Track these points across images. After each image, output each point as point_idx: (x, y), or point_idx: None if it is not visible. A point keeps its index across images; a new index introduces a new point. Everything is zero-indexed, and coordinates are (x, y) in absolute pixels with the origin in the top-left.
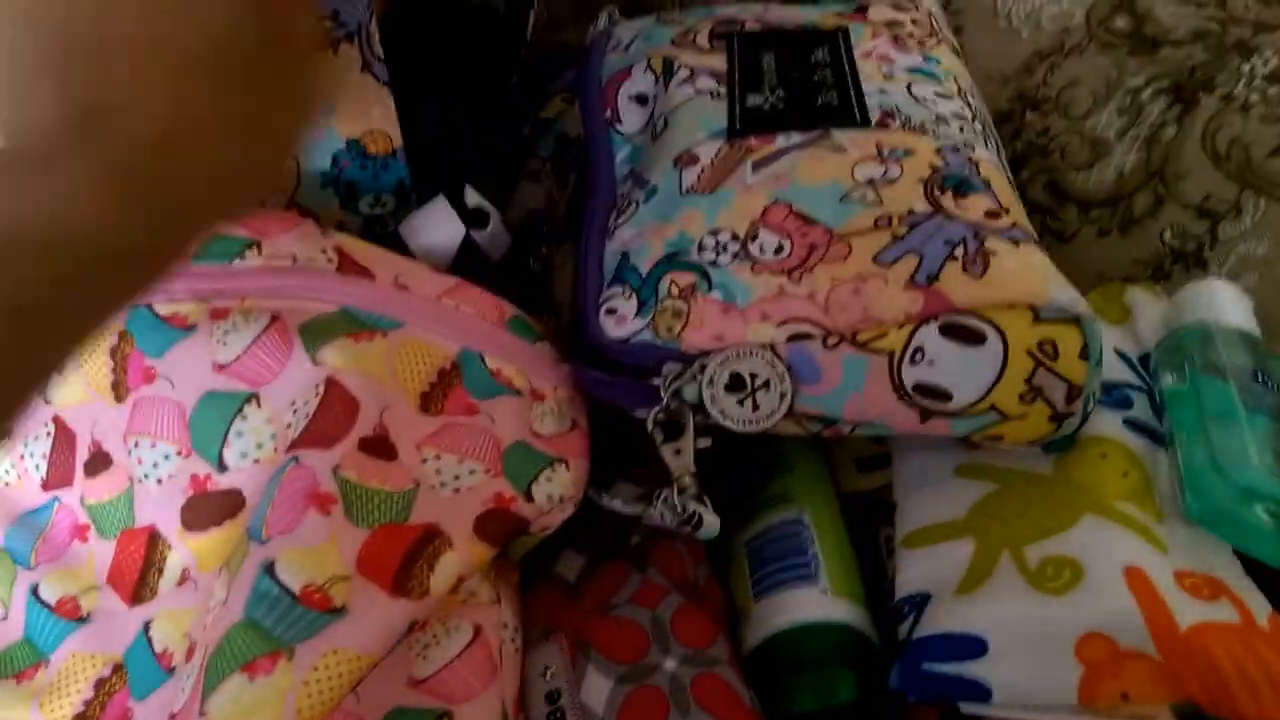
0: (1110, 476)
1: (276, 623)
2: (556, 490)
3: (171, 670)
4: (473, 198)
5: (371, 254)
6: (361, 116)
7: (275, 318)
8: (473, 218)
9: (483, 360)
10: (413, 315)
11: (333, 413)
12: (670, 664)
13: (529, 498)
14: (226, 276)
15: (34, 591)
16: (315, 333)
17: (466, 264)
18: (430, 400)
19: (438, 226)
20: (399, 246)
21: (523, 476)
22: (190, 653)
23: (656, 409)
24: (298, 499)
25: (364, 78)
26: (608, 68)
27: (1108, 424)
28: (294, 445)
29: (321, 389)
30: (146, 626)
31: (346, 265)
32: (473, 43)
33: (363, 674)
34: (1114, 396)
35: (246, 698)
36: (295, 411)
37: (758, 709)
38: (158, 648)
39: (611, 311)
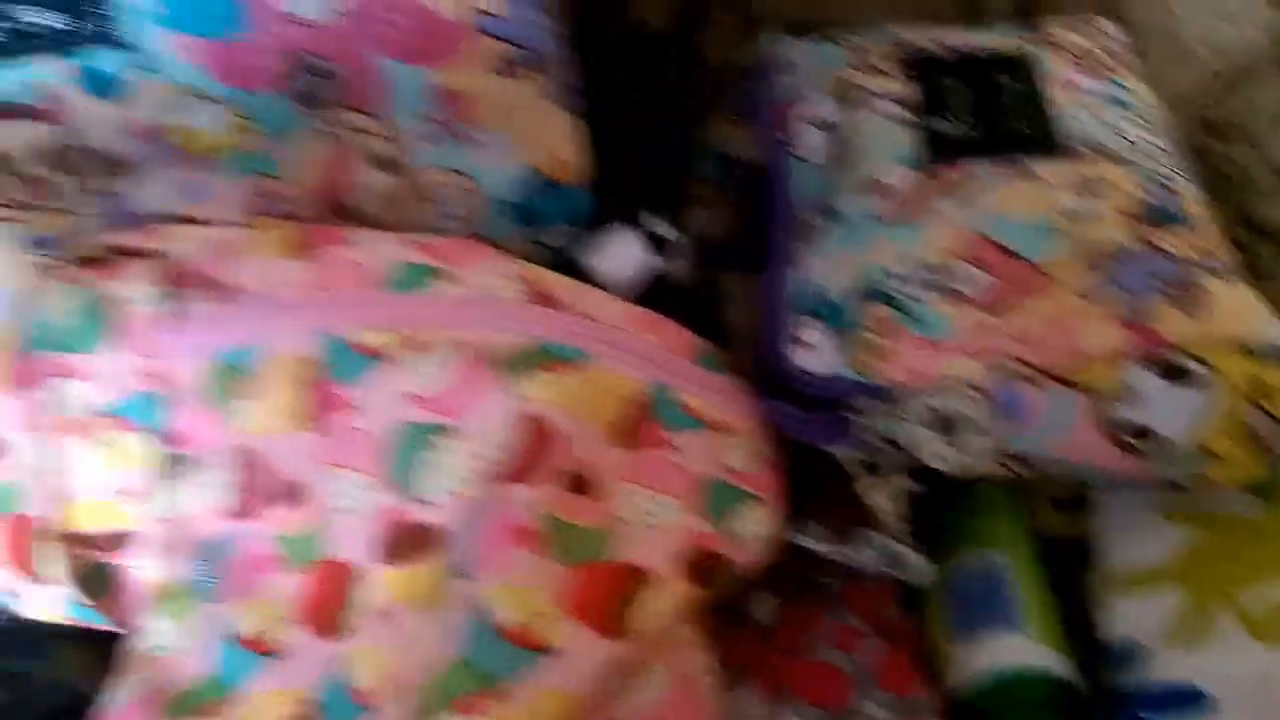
0: None
1: (489, 661)
2: (754, 527)
3: (368, 706)
4: (659, 226)
5: (561, 285)
6: (545, 144)
7: (472, 349)
8: (658, 246)
9: (673, 393)
10: (603, 347)
11: (533, 447)
12: (873, 709)
13: (727, 534)
14: (420, 306)
15: (222, 626)
16: (512, 365)
17: (651, 293)
18: (624, 434)
19: (623, 254)
20: (579, 273)
21: (720, 512)
22: (391, 690)
23: (857, 447)
24: (505, 536)
25: (549, 105)
26: (781, 91)
27: None
28: (495, 479)
29: (521, 423)
30: (341, 662)
31: (536, 295)
32: (645, 67)
33: (575, 716)
34: None
35: None
36: (493, 445)
37: None
38: (354, 684)
39: (801, 343)
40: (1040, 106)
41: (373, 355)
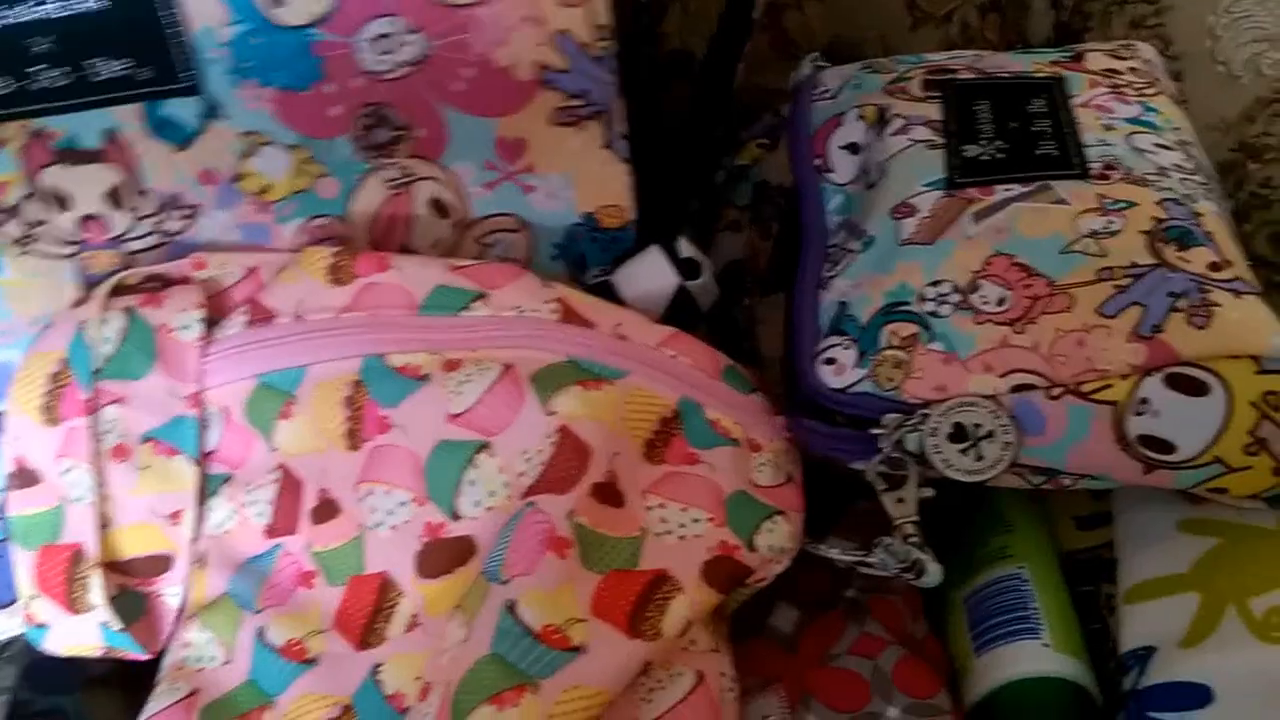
0: None
1: (520, 658)
2: (778, 541)
3: (404, 711)
4: (686, 248)
5: (592, 305)
6: (600, 192)
7: (507, 368)
8: (685, 268)
9: (702, 410)
10: (634, 364)
11: (567, 460)
12: (893, 713)
13: (751, 547)
14: (456, 328)
15: (260, 635)
16: (546, 382)
17: (678, 314)
18: (653, 449)
19: (652, 276)
20: (611, 296)
21: (745, 526)
22: (424, 693)
23: (878, 458)
24: (536, 543)
25: (605, 154)
26: (817, 116)
27: None
28: (529, 491)
29: (556, 437)
30: (376, 669)
31: (569, 315)
32: (676, 92)
33: (601, 710)
34: None
35: None
36: (528, 459)
37: None
38: (388, 690)
39: (830, 361)
40: (1068, 130)
41: (411, 377)
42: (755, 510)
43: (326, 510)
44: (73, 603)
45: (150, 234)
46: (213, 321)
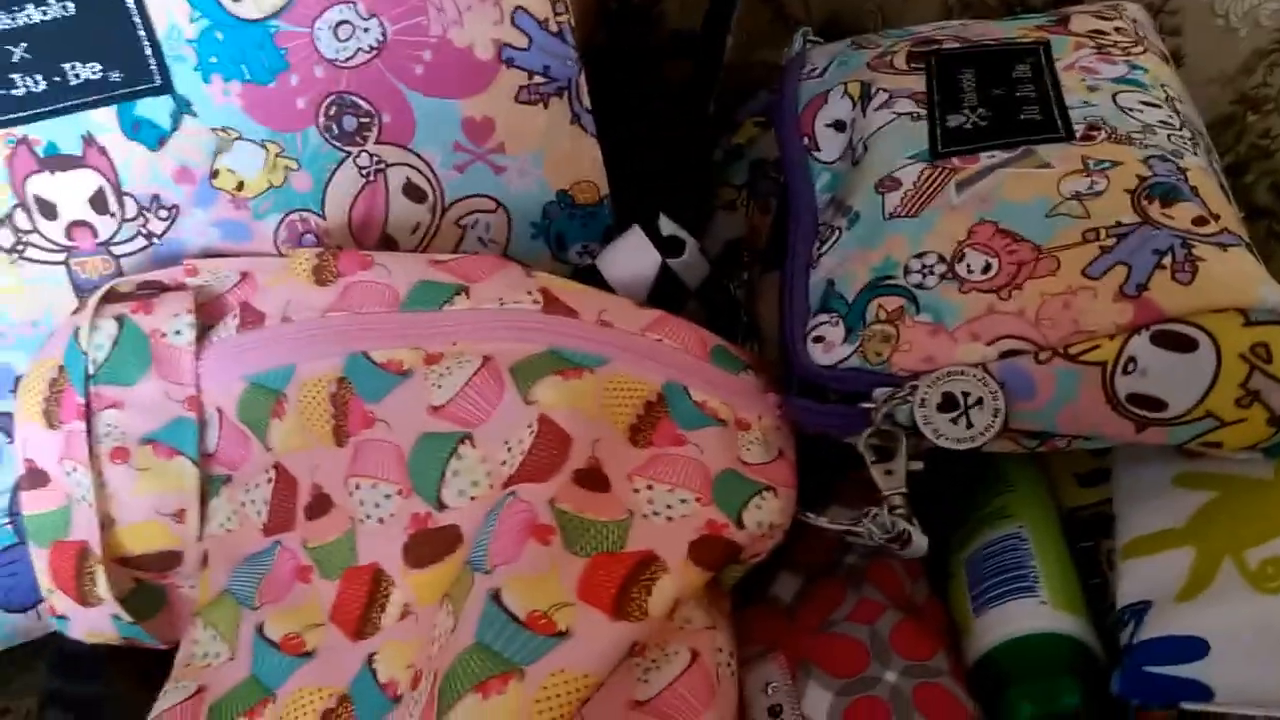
0: None
1: (505, 646)
2: (766, 517)
3: (397, 699)
4: (668, 226)
5: (575, 292)
6: (571, 168)
7: (487, 359)
8: (668, 246)
9: (687, 392)
10: (617, 351)
11: (547, 448)
12: (891, 676)
13: (740, 524)
14: (438, 321)
15: (259, 630)
16: (526, 372)
17: (664, 293)
18: (639, 433)
19: (634, 256)
20: (597, 279)
21: (733, 504)
22: (415, 681)
23: (868, 431)
24: (518, 531)
25: (574, 129)
26: (804, 94)
27: None
28: (511, 480)
29: (535, 426)
30: (370, 659)
31: (551, 305)
32: (666, 72)
33: (589, 692)
34: None
35: (483, 716)
36: (509, 449)
37: (981, 718)
38: (382, 678)
39: (819, 339)
40: (1053, 93)
41: (394, 372)
42: (743, 488)
43: (319, 506)
44: (83, 596)
45: (135, 236)
46: (207, 326)
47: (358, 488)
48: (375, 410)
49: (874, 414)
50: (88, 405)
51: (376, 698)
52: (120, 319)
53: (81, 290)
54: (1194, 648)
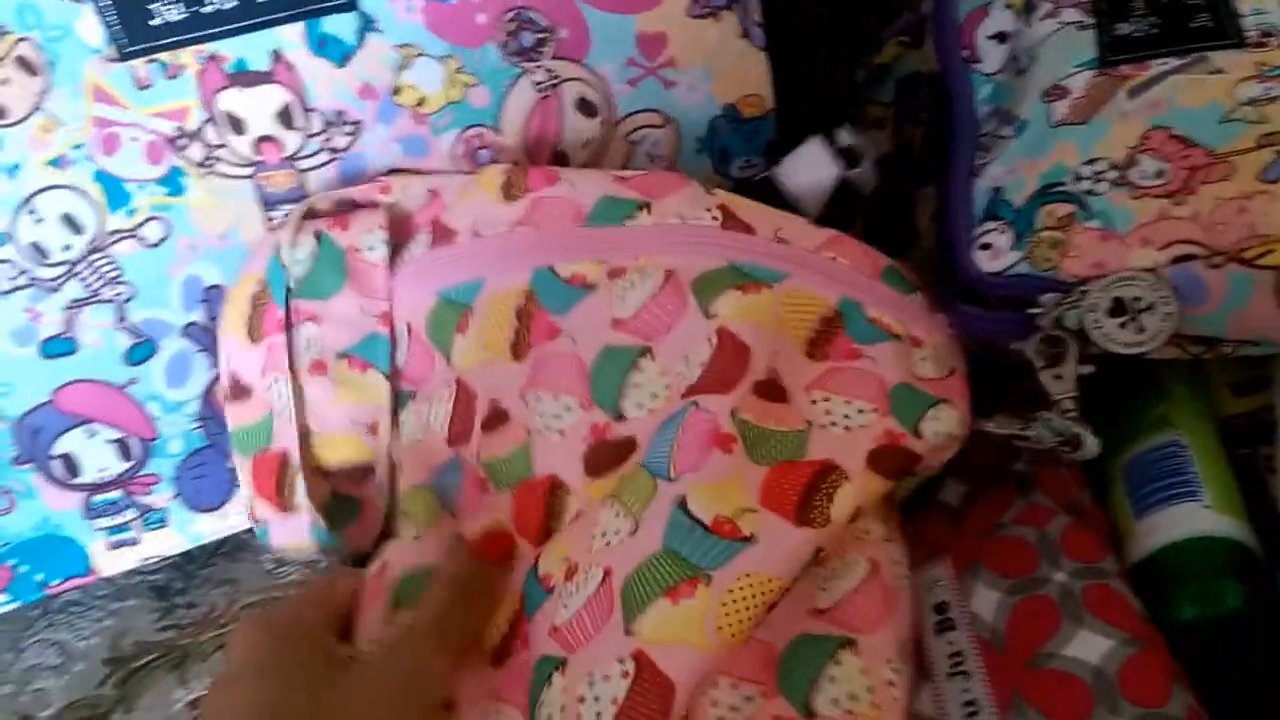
0: None
1: (693, 551)
2: (944, 428)
3: (550, 590)
4: (845, 137)
5: (753, 210)
6: (739, 82)
7: (669, 274)
8: (846, 156)
9: (862, 309)
10: (794, 267)
11: (728, 360)
12: (1061, 576)
13: (918, 434)
14: (621, 236)
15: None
16: (706, 286)
17: (840, 204)
18: (815, 346)
19: (814, 167)
20: (771, 190)
21: (910, 415)
22: (570, 574)
23: (1037, 336)
24: (702, 439)
25: (742, 43)
26: (964, 8)
27: None
28: (692, 390)
29: (715, 339)
30: (535, 560)
31: (730, 222)
32: None
33: (776, 597)
34: None
35: (673, 619)
36: (688, 362)
37: (1148, 618)
38: (541, 571)
39: (986, 246)
40: (1221, 0)
41: (579, 285)
42: (920, 400)
43: (495, 419)
44: (284, 503)
45: (320, 151)
46: (399, 244)
47: (539, 399)
48: (560, 322)
49: (1043, 319)
50: (288, 319)
51: (536, 590)
52: (319, 234)
53: (269, 204)
54: None
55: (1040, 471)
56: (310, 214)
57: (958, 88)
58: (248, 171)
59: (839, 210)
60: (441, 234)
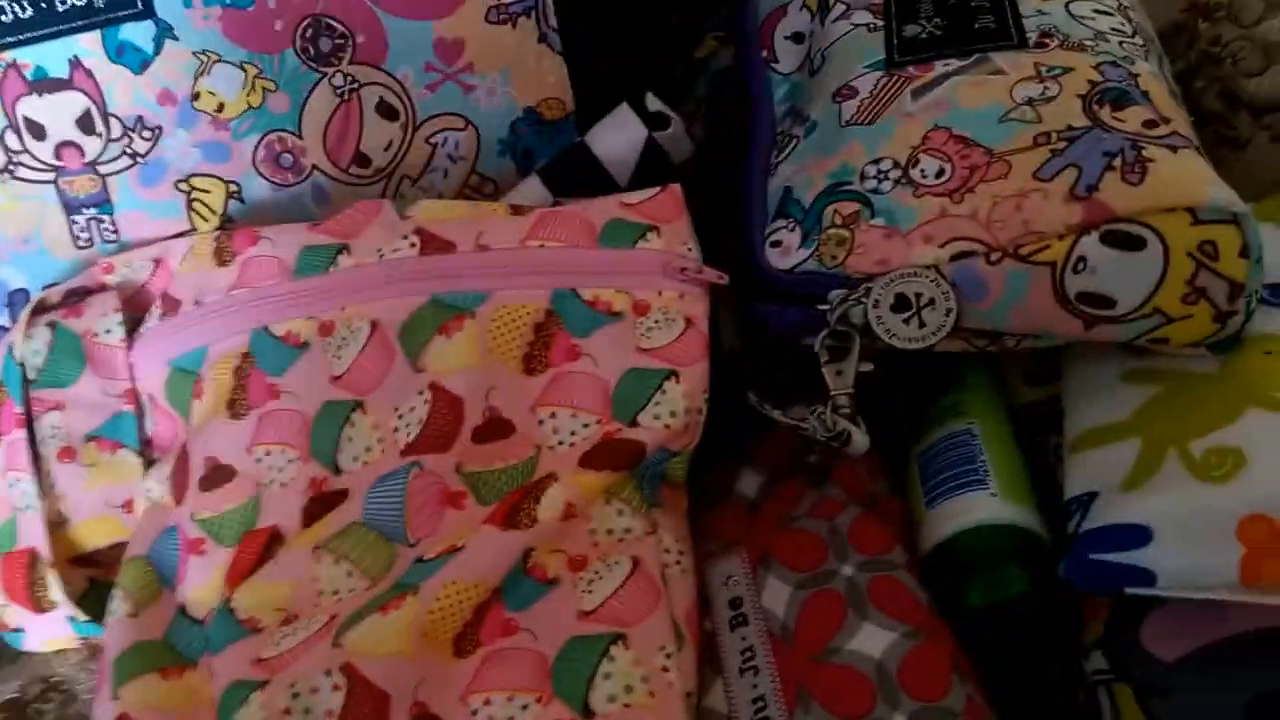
0: (1276, 371)
1: (409, 576)
2: (665, 410)
3: (258, 630)
4: (654, 103)
5: (451, 222)
6: (538, 85)
7: (375, 326)
8: (654, 121)
9: (577, 295)
10: (498, 280)
11: (443, 417)
12: (848, 570)
13: (634, 425)
14: (325, 285)
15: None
16: (411, 335)
17: (650, 167)
18: (534, 359)
19: (622, 131)
20: (586, 155)
21: (631, 408)
22: (286, 621)
23: (824, 332)
24: (433, 503)
25: (540, 48)
26: (764, 8)
27: (1274, 322)
28: (412, 448)
29: (428, 395)
30: (227, 601)
31: (428, 244)
32: None
33: (483, 597)
34: None
35: (379, 629)
36: (401, 416)
37: (934, 609)
38: (240, 616)
39: (776, 244)
40: (1007, 2)
41: (294, 345)
42: (645, 384)
43: (220, 476)
44: (37, 603)
45: (120, 156)
46: (137, 320)
47: (267, 453)
48: (279, 383)
49: (829, 315)
50: (28, 412)
51: (232, 628)
52: (53, 325)
53: (71, 209)
54: (1138, 535)
55: (838, 464)
56: (41, 308)
57: (756, 87)
58: (49, 177)
59: (650, 175)
60: (169, 305)
